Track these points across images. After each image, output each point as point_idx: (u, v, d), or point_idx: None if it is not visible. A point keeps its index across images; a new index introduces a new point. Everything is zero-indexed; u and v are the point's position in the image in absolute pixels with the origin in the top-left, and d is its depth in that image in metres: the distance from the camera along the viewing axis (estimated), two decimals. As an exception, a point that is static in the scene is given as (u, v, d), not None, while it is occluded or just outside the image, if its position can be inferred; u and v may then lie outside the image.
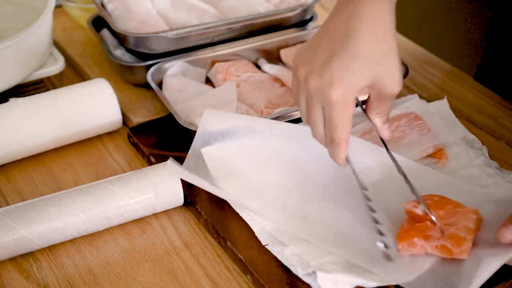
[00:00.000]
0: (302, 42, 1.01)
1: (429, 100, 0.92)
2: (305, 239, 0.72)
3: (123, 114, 0.92)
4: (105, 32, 1.03)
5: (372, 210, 0.72)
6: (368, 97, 0.73)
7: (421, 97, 0.92)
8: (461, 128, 0.88)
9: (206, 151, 0.81)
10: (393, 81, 0.70)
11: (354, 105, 0.69)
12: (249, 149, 0.82)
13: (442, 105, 0.91)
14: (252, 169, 0.81)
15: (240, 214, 0.75)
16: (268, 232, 0.73)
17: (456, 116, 0.90)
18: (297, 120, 0.86)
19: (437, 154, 0.82)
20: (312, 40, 0.72)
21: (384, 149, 0.75)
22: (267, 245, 0.72)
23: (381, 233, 0.70)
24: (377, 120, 0.74)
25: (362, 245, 0.71)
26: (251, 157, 0.82)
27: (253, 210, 0.75)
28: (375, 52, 0.68)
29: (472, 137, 0.86)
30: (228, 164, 0.81)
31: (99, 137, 0.91)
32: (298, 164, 0.81)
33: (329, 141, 0.71)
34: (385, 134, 0.75)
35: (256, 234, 0.73)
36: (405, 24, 1.43)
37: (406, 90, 0.98)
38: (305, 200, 0.77)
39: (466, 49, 1.62)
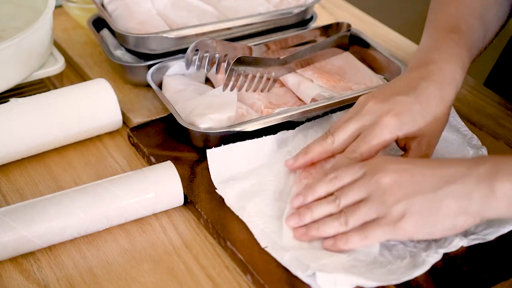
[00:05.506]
0: (302, 42, 1.01)
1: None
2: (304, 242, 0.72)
3: (123, 114, 0.92)
4: (105, 33, 1.03)
5: None
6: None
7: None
8: (461, 125, 0.88)
9: (211, 153, 0.81)
10: (429, 143, 0.77)
11: (392, 140, 0.75)
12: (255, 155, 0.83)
13: None
14: (255, 173, 0.81)
15: (240, 217, 0.75)
16: (267, 234, 0.73)
17: (456, 116, 0.90)
18: (297, 123, 0.86)
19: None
20: (383, 85, 0.80)
21: None
22: (266, 247, 0.72)
23: None
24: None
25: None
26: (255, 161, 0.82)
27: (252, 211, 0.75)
28: (432, 110, 0.76)
29: (472, 136, 0.87)
30: (231, 167, 0.81)
31: (99, 137, 0.91)
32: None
33: (349, 151, 0.75)
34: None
35: (255, 236, 0.73)
36: (405, 24, 1.43)
37: (406, 90, 0.98)
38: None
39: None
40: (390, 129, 0.74)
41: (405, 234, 0.68)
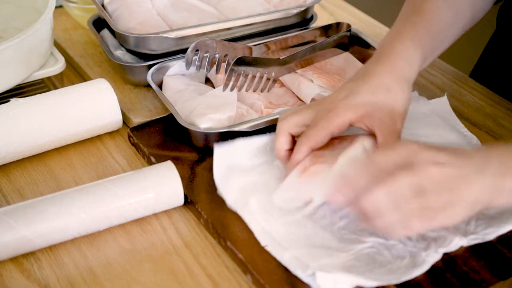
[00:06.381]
0: (302, 42, 1.01)
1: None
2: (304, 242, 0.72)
3: (123, 114, 0.92)
4: (105, 33, 1.03)
5: None
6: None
7: (420, 97, 0.93)
8: (461, 126, 0.88)
9: (218, 149, 0.81)
10: (392, 117, 0.75)
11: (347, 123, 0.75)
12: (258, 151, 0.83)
13: (442, 103, 0.92)
14: (256, 172, 0.81)
15: (240, 214, 0.75)
16: (268, 232, 0.73)
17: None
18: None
19: None
20: None
21: None
22: (266, 246, 0.72)
23: None
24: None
25: (363, 250, 0.72)
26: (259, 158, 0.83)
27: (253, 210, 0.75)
28: (383, 85, 0.77)
29: (471, 136, 0.87)
30: (235, 165, 0.81)
31: (99, 137, 0.91)
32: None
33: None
34: None
35: (255, 234, 0.73)
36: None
37: (406, 90, 0.98)
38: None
39: (463, 48, 1.62)
40: (342, 114, 0.75)
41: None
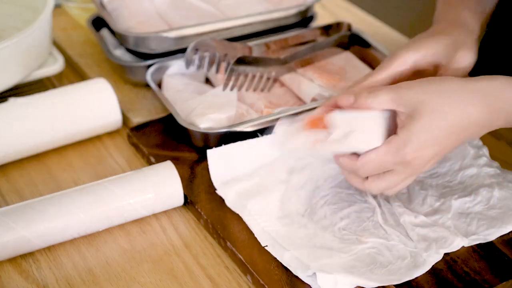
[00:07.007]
0: (302, 42, 1.01)
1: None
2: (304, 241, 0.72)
3: (123, 114, 0.92)
4: (104, 32, 1.03)
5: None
6: None
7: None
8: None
9: (211, 153, 0.81)
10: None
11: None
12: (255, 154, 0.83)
13: None
14: (256, 173, 0.81)
15: (240, 215, 0.75)
16: (268, 233, 0.73)
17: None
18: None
19: None
20: None
21: None
22: (266, 246, 0.72)
23: None
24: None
25: (364, 250, 0.71)
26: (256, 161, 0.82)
27: (253, 210, 0.75)
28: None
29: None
30: (232, 167, 0.81)
31: (99, 137, 0.91)
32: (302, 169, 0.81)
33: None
34: None
35: (256, 235, 0.73)
36: (405, 23, 1.43)
37: (407, 90, 0.98)
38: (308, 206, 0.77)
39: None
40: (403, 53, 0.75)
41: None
